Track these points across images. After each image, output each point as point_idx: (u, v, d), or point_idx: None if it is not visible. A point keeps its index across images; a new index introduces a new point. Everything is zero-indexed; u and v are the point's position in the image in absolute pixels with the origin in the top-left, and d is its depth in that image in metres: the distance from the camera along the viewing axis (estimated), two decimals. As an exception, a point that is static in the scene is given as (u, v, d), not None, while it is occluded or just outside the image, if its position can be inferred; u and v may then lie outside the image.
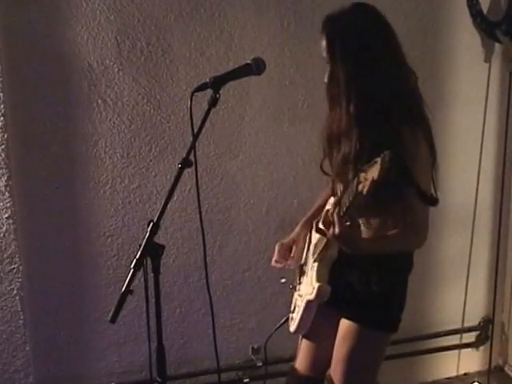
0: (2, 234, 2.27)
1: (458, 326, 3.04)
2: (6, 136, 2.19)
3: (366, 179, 1.54)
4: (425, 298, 2.94)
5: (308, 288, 1.86)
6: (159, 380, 1.59)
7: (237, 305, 2.68)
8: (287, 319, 2.03)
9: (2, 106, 2.17)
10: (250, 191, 2.59)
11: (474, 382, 3.01)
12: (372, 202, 1.68)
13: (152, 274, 1.52)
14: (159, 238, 1.52)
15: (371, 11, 1.75)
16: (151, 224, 1.51)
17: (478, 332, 3.08)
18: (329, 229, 1.67)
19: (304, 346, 2.06)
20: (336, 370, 1.93)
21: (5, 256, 2.29)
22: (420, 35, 2.64)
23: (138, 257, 1.47)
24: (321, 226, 1.76)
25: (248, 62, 1.69)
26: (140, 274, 1.47)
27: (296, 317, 1.93)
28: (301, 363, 2.07)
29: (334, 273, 1.86)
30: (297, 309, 1.94)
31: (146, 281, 1.49)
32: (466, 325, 3.05)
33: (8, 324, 2.36)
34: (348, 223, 1.65)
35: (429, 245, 2.82)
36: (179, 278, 2.57)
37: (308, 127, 2.58)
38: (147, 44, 2.35)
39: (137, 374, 2.57)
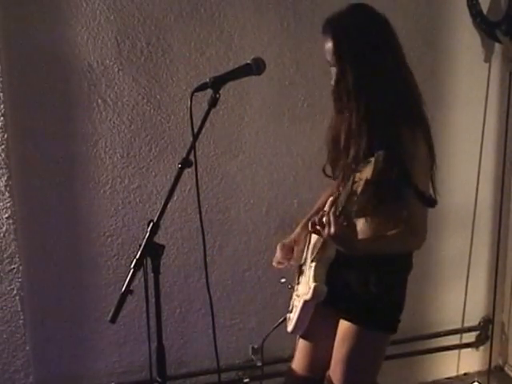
0: (2, 234, 2.27)
1: (457, 326, 3.04)
2: (5, 136, 2.19)
3: (360, 179, 1.55)
4: (425, 298, 2.94)
5: (305, 288, 1.86)
6: (159, 380, 1.59)
7: (237, 305, 2.68)
8: (285, 319, 2.03)
9: (2, 106, 2.17)
10: (250, 191, 2.59)
11: (473, 381, 3.01)
12: (369, 201, 1.69)
13: (152, 274, 1.52)
14: (159, 238, 1.52)
15: (372, 12, 1.75)
16: (151, 224, 1.51)
17: (478, 332, 3.08)
18: (324, 229, 1.68)
19: (301, 347, 2.06)
20: (335, 371, 1.92)
21: (5, 256, 2.29)
22: (420, 35, 2.64)
23: (137, 257, 1.47)
24: (317, 225, 1.77)
25: (248, 62, 1.69)
26: (140, 274, 1.47)
27: (293, 317, 1.93)
28: (298, 363, 2.07)
29: (332, 273, 1.86)
30: (294, 309, 1.94)
31: (145, 281, 1.49)
32: (466, 325, 3.05)
33: (8, 324, 2.36)
34: (344, 223, 1.66)
35: (429, 245, 2.83)
36: (179, 278, 2.57)
37: (308, 127, 2.58)
38: (147, 44, 2.35)
39: (137, 374, 2.57)
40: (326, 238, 1.72)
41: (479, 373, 3.09)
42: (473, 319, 3.06)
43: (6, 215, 2.25)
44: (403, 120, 1.72)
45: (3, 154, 2.20)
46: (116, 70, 2.34)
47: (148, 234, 1.50)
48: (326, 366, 1.97)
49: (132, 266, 1.46)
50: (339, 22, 1.75)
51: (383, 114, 1.71)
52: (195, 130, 1.57)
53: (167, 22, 2.36)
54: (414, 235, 1.77)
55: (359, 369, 1.92)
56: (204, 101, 1.60)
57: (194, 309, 2.62)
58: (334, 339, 1.93)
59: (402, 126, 1.71)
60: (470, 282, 3.00)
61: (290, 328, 1.98)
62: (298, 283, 1.97)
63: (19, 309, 2.35)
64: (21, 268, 2.32)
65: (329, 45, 1.74)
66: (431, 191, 1.82)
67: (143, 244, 1.48)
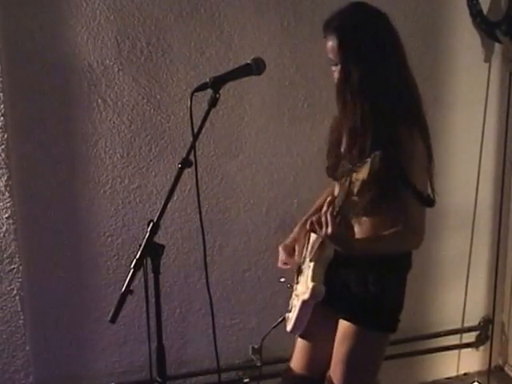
0: (2, 234, 2.27)
1: (457, 325, 3.04)
2: (5, 136, 2.19)
3: (357, 179, 1.56)
4: (425, 297, 2.94)
5: (304, 288, 1.87)
6: (159, 380, 1.59)
7: (237, 305, 2.68)
8: (284, 318, 2.03)
9: (2, 106, 2.17)
10: (250, 191, 2.59)
11: (473, 381, 3.01)
12: (368, 201, 1.69)
13: (152, 274, 1.52)
14: (159, 238, 1.52)
15: (375, 10, 1.76)
16: (151, 224, 1.51)
17: (478, 332, 3.08)
18: (321, 228, 1.68)
19: (300, 346, 2.06)
20: (336, 371, 1.93)
21: (5, 256, 2.29)
22: (420, 35, 2.64)
23: (138, 257, 1.47)
24: (315, 225, 1.77)
25: (248, 62, 1.69)
26: (140, 274, 1.47)
27: (292, 316, 1.94)
28: (296, 363, 2.07)
29: (331, 273, 1.86)
30: (293, 308, 1.94)
31: (145, 281, 1.49)
32: (466, 325, 3.05)
33: (8, 324, 2.36)
34: (341, 223, 1.67)
35: (429, 245, 2.85)
36: (179, 278, 2.57)
37: (308, 127, 2.58)
38: (147, 44, 2.35)
39: (137, 374, 2.57)
40: (324, 237, 1.73)
41: (479, 373, 3.09)
42: (473, 319, 3.06)
43: (6, 215, 2.25)
44: (402, 120, 1.72)
45: (3, 154, 2.20)
46: (116, 69, 2.34)
47: (148, 234, 1.50)
48: (325, 365, 1.97)
49: (132, 266, 1.46)
50: (343, 19, 1.74)
51: (384, 112, 1.71)
52: (195, 130, 1.57)
53: (167, 22, 2.36)
54: (413, 234, 1.77)
55: (359, 369, 1.92)
56: (204, 101, 1.60)
57: (194, 309, 2.62)
58: (333, 339, 1.93)
59: (400, 126, 1.71)
60: (470, 282, 3.00)
61: (289, 327, 1.98)
62: (297, 282, 1.97)
63: (19, 309, 2.35)
64: (21, 268, 2.32)
65: (332, 43, 1.74)
66: (429, 191, 1.82)
67: (143, 244, 1.48)
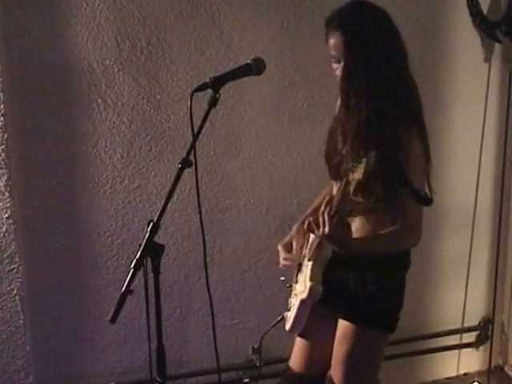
0: (2, 234, 2.27)
1: (457, 325, 3.04)
2: (5, 136, 2.19)
3: (353, 179, 1.57)
4: (425, 297, 2.94)
5: (302, 287, 1.87)
6: (159, 380, 1.59)
7: (237, 305, 2.68)
8: (282, 317, 2.03)
9: (2, 106, 2.17)
10: (250, 191, 2.59)
11: (473, 381, 3.01)
12: (366, 200, 1.70)
13: (152, 274, 1.52)
14: (159, 238, 1.52)
15: (378, 8, 1.76)
16: (151, 224, 1.51)
17: (478, 332, 3.08)
18: (319, 228, 1.69)
19: (299, 345, 2.06)
20: (336, 371, 1.93)
21: (5, 256, 2.29)
22: (420, 35, 2.64)
23: (138, 257, 1.47)
24: (312, 225, 1.78)
25: (248, 62, 1.69)
26: (140, 273, 1.47)
27: (291, 315, 1.94)
28: (295, 361, 2.07)
29: (330, 273, 1.87)
30: (292, 307, 1.95)
31: (145, 281, 1.49)
32: (466, 325, 3.05)
33: (8, 324, 2.36)
34: (338, 223, 1.67)
35: (429, 245, 2.86)
36: (179, 278, 2.57)
37: (308, 127, 2.58)
38: (147, 44, 2.35)
39: (137, 374, 2.57)
40: (321, 237, 1.73)
41: (479, 373, 3.08)
42: (473, 319, 3.06)
43: (6, 215, 2.25)
44: (402, 120, 1.72)
45: (3, 154, 2.20)
46: (116, 69, 2.34)
47: (148, 234, 1.50)
48: (323, 364, 1.98)
49: (132, 266, 1.46)
50: (348, 16, 1.74)
51: (387, 112, 1.71)
52: (195, 130, 1.57)
53: (167, 22, 2.36)
54: (410, 233, 1.78)
55: (359, 368, 1.92)
56: (204, 101, 1.60)
57: (194, 309, 2.62)
58: (332, 338, 1.93)
59: (400, 126, 1.71)
60: (470, 282, 3.00)
61: (287, 326, 1.98)
62: (296, 282, 1.98)
63: (19, 309, 2.35)
64: (21, 268, 2.32)
65: (336, 39, 1.72)
66: (427, 189, 1.82)
67: (143, 244, 1.48)
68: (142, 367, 2.54)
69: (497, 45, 2.78)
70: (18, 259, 2.30)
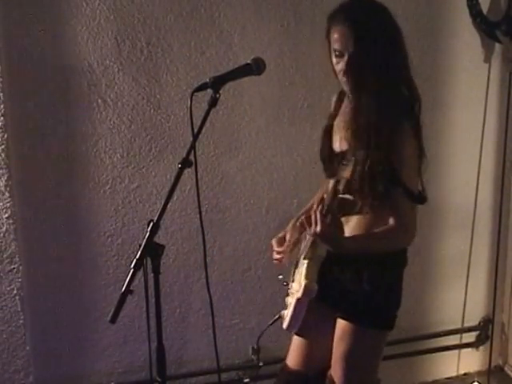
0: (1, 234, 2.27)
1: (457, 325, 3.04)
2: (5, 136, 2.19)
3: (342, 178, 1.58)
4: (425, 297, 2.94)
5: (297, 285, 1.88)
6: (159, 380, 1.59)
7: (237, 305, 2.68)
8: (280, 316, 2.03)
9: (2, 106, 2.17)
10: (250, 191, 2.59)
11: (473, 381, 3.01)
12: (361, 199, 1.71)
13: (152, 274, 1.52)
14: (159, 238, 1.52)
15: (381, 5, 1.75)
16: (151, 224, 1.51)
17: (478, 332, 3.08)
18: (311, 227, 1.70)
19: (296, 343, 2.06)
20: (336, 370, 1.93)
21: (5, 256, 2.29)
22: (420, 35, 2.64)
23: (138, 257, 1.47)
24: (305, 223, 1.79)
25: (248, 62, 1.69)
26: (140, 273, 1.47)
27: (287, 314, 1.94)
28: (292, 359, 2.07)
29: (327, 271, 1.87)
30: (289, 306, 1.95)
31: (145, 281, 1.49)
32: (466, 325, 3.05)
33: (8, 324, 2.36)
34: (330, 221, 1.68)
35: (429, 245, 2.86)
36: (179, 278, 2.57)
37: (308, 127, 2.58)
38: (147, 44, 2.35)
39: (137, 374, 2.57)
40: (313, 236, 1.75)
41: (479, 373, 3.08)
42: (473, 319, 3.06)
43: (6, 215, 2.25)
44: (401, 119, 1.72)
45: (3, 154, 2.20)
46: (116, 69, 2.34)
47: (148, 234, 1.50)
48: (320, 363, 1.99)
49: (132, 266, 1.46)
50: (355, 10, 1.72)
51: (386, 108, 1.71)
52: (195, 130, 1.57)
53: (167, 22, 2.36)
54: (404, 232, 1.79)
55: (358, 366, 1.93)
56: (204, 101, 1.60)
57: (194, 309, 2.62)
58: (329, 338, 1.94)
59: (398, 125, 1.71)
60: (470, 282, 3.00)
61: (284, 325, 1.98)
62: (293, 280, 1.98)
63: (19, 309, 2.35)
64: (21, 268, 2.32)
65: (341, 32, 1.70)
66: (420, 187, 1.82)
67: (143, 244, 1.48)
68: (142, 367, 2.54)
69: (497, 45, 2.78)
70: (17, 259, 2.30)
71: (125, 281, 1.45)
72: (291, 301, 1.93)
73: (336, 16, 1.74)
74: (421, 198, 1.78)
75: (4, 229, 2.26)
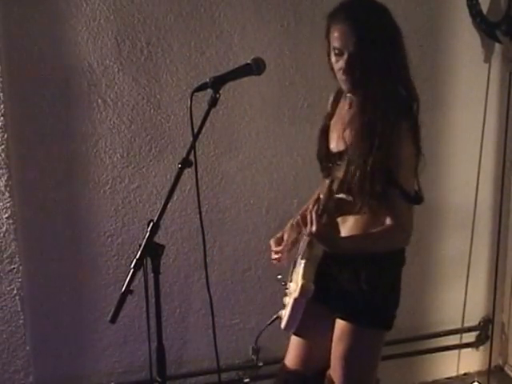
0: (1, 234, 2.27)
1: (457, 325, 3.04)
2: (5, 136, 2.19)
3: (336, 177, 1.59)
4: (424, 297, 2.94)
5: (295, 285, 1.88)
6: (159, 380, 1.59)
7: (237, 305, 2.68)
8: (278, 317, 2.04)
9: (2, 106, 2.17)
10: (250, 191, 2.59)
11: (473, 381, 3.01)
12: (359, 199, 1.71)
13: (152, 274, 1.52)
14: (159, 238, 1.52)
15: (382, 6, 1.75)
16: (151, 224, 1.51)
17: (478, 332, 3.08)
18: (306, 227, 1.70)
19: (294, 343, 2.06)
20: (335, 370, 1.93)
21: (5, 256, 2.29)
22: (420, 35, 2.64)
23: (138, 257, 1.47)
24: (300, 223, 1.80)
25: (248, 62, 1.69)
26: (140, 273, 1.47)
27: (285, 314, 1.94)
28: (290, 359, 2.07)
29: (324, 272, 1.87)
30: (286, 306, 1.95)
31: (145, 281, 1.49)
32: (466, 325, 3.05)
33: (8, 324, 2.36)
34: (325, 221, 1.69)
35: (429, 245, 2.86)
36: (179, 278, 2.57)
37: (308, 127, 2.58)
38: (147, 44, 2.35)
39: (137, 374, 2.57)
40: (308, 236, 1.76)
41: (479, 373, 3.08)
42: (473, 319, 3.06)
43: (6, 215, 2.25)
44: (398, 118, 1.72)
45: (3, 154, 2.21)
46: (116, 70, 2.34)
47: (148, 234, 1.50)
48: (318, 363, 1.99)
49: (132, 266, 1.46)
50: (357, 9, 1.72)
51: (386, 107, 1.71)
52: (195, 130, 1.57)
53: (167, 22, 2.36)
54: (401, 232, 1.79)
55: (358, 366, 1.93)
56: (204, 101, 1.60)
57: (194, 309, 2.62)
58: (327, 338, 1.94)
59: (395, 125, 1.71)
60: (470, 282, 3.00)
61: (282, 325, 1.99)
62: (291, 280, 1.98)
63: (19, 309, 2.35)
64: (21, 268, 2.32)
65: (342, 30, 1.70)
66: (417, 188, 1.82)
67: (143, 244, 1.48)
68: (142, 367, 2.54)
69: (497, 45, 2.78)
70: (17, 259, 2.30)
71: (125, 281, 1.45)
72: (289, 301, 1.93)
73: (336, 15, 1.74)
74: (417, 199, 1.78)
75: (4, 229, 2.26)
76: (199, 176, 1.64)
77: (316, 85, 2.55)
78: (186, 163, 1.55)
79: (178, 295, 2.58)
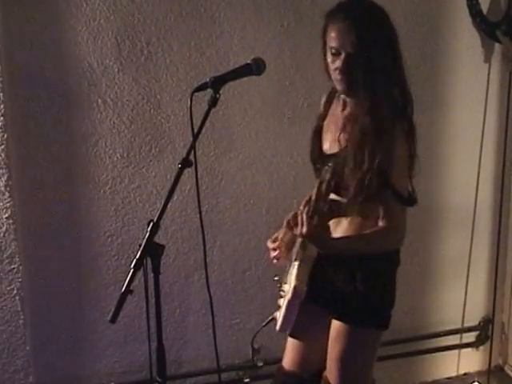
0: (1, 234, 2.27)
1: (457, 325, 3.04)
2: (5, 136, 2.19)
3: (325, 179, 1.59)
4: (424, 297, 2.94)
5: (288, 287, 1.89)
6: (159, 380, 1.59)
7: (237, 305, 2.68)
8: (273, 318, 2.03)
9: (2, 106, 2.17)
10: (250, 191, 2.59)
11: (473, 381, 3.01)
12: (352, 200, 1.71)
13: (152, 274, 1.52)
14: (159, 238, 1.52)
15: (380, 7, 1.75)
16: (151, 224, 1.51)
17: (478, 332, 3.08)
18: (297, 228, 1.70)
19: (291, 345, 2.06)
20: (331, 370, 1.94)
21: (5, 256, 2.29)
22: (420, 35, 2.64)
23: (138, 257, 1.47)
24: (291, 223, 1.80)
25: (248, 62, 1.69)
26: (140, 273, 1.47)
27: (279, 315, 1.94)
28: (287, 361, 2.07)
29: (320, 273, 1.88)
30: (281, 307, 1.95)
31: (145, 281, 1.49)
32: (466, 325, 3.05)
33: (8, 324, 2.36)
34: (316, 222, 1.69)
35: (429, 245, 2.86)
36: (179, 278, 2.57)
37: (308, 127, 2.55)
38: (147, 44, 2.35)
39: (137, 374, 2.57)
40: (299, 237, 1.77)
41: (479, 373, 3.09)
42: (473, 319, 3.06)
43: (6, 215, 2.25)
44: (390, 118, 1.72)
45: (3, 154, 2.20)
46: (116, 69, 2.34)
47: (148, 234, 1.50)
48: (315, 364, 1.99)
49: (132, 266, 1.46)
50: (355, 9, 1.72)
51: (381, 108, 1.71)
52: (195, 130, 1.57)
53: (167, 22, 2.36)
54: (394, 234, 1.79)
55: (354, 367, 1.93)
56: (204, 101, 1.60)
57: (193, 309, 2.62)
58: (323, 339, 1.94)
59: (387, 124, 1.71)
60: (470, 282, 3.00)
61: (277, 326, 1.98)
62: (285, 282, 1.98)
63: (19, 309, 2.35)
64: (21, 268, 2.32)
65: (340, 30, 1.70)
66: (411, 189, 1.82)
67: (143, 244, 1.48)
68: (142, 367, 2.54)
69: (497, 45, 2.78)
70: (17, 259, 2.30)
71: (125, 281, 1.45)
72: (283, 302, 1.93)
73: (335, 14, 1.74)
74: (410, 200, 1.78)
75: (4, 229, 2.26)
76: (199, 176, 1.64)
77: (316, 85, 2.54)
78: (185, 163, 1.55)
79: (177, 295, 2.58)
